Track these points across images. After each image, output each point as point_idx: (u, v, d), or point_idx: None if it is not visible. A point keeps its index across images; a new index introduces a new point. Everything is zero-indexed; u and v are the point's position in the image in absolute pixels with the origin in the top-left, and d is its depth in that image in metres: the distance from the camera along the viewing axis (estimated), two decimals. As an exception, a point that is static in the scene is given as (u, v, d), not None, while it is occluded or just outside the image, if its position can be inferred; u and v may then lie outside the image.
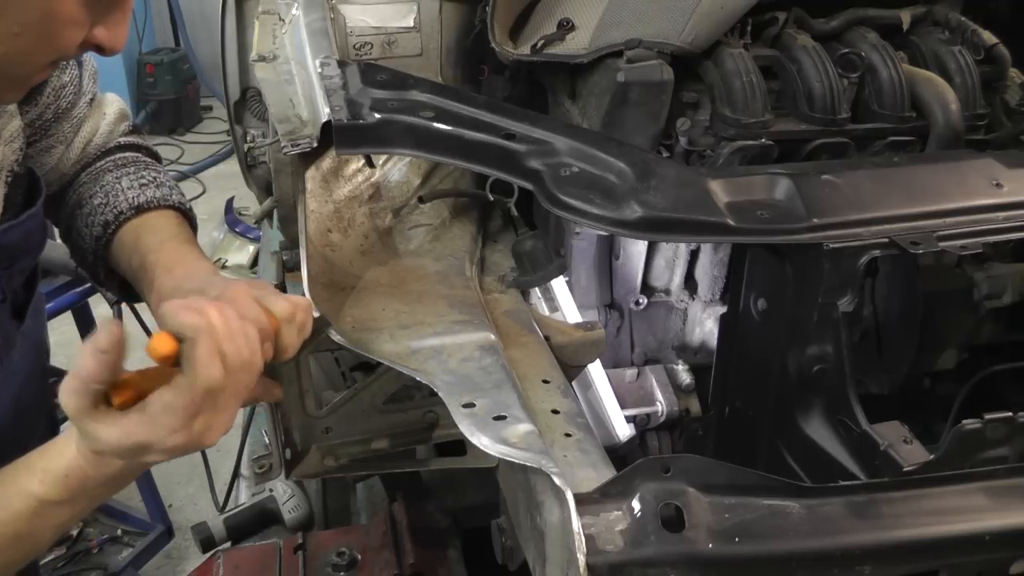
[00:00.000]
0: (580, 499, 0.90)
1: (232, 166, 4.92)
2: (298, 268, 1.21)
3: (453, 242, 1.48)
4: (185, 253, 1.19)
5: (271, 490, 1.89)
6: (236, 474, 2.13)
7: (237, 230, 4.43)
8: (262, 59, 1.43)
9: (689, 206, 1.20)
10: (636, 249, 1.61)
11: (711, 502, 0.94)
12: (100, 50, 1.01)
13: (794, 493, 0.99)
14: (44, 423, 1.34)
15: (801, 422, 1.23)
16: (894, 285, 1.38)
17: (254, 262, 4.19)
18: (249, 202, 4.28)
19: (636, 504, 0.93)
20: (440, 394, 1.05)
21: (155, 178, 1.32)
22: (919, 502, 1.01)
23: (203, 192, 5.89)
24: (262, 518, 1.87)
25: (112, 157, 1.35)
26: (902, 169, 1.32)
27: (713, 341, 1.63)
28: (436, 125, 1.26)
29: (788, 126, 1.46)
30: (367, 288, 1.31)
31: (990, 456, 1.04)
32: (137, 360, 0.86)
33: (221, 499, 2.18)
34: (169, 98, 6.85)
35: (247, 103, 2.24)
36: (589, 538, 0.89)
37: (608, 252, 1.63)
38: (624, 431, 1.35)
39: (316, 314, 1.06)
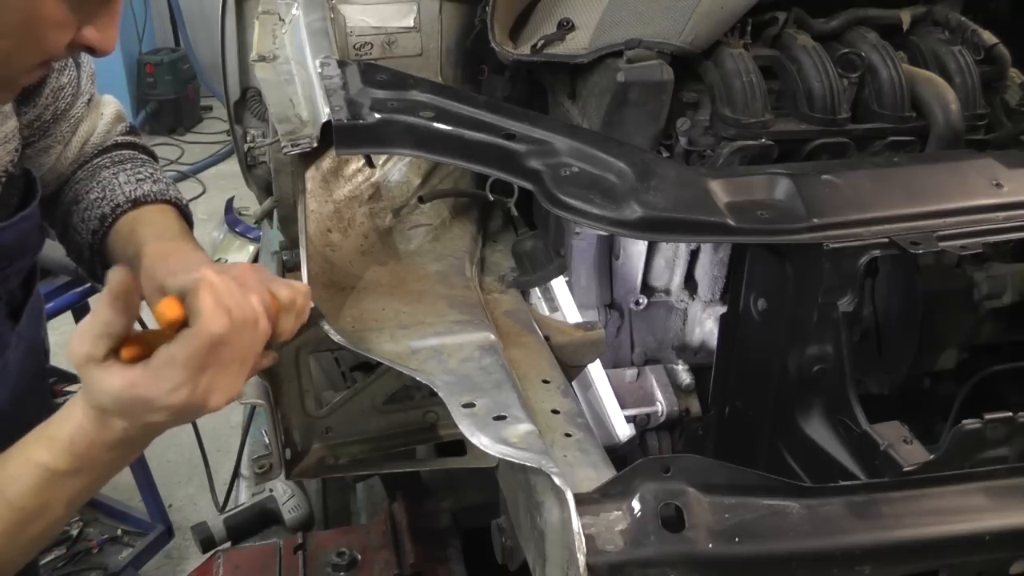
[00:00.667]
0: (580, 499, 0.90)
1: (232, 166, 4.92)
2: (298, 268, 1.21)
3: (453, 242, 1.48)
4: (180, 244, 1.19)
5: (271, 490, 1.90)
6: (236, 474, 2.13)
7: (237, 230, 4.42)
8: (262, 59, 1.43)
9: (689, 206, 1.20)
10: (636, 249, 1.61)
11: (711, 502, 0.94)
12: (91, 51, 1.00)
13: (794, 493, 0.99)
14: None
15: (801, 422, 1.23)
16: (894, 285, 1.38)
17: (254, 262, 4.19)
18: (249, 202, 4.27)
19: (636, 504, 0.93)
20: (440, 394, 1.05)
21: (152, 174, 1.32)
22: (919, 502, 1.01)
23: (203, 192, 5.89)
24: (262, 518, 1.87)
25: (109, 155, 1.35)
26: (902, 169, 1.32)
27: (713, 341, 1.63)
28: (436, 125, 1.26)
29: (788, 126, 1.46)
30: (367, 288, 1.31)
31: (990, 456, 1.04)
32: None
33: (221, 499, 2.18)
34: (169, 98, 6.84)
35: (247, 103, 2.24)
36: (589, 538, 0.89)
37: (608, 252, 1.63)
38: (624, 431, 1.35)
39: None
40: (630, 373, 1.65)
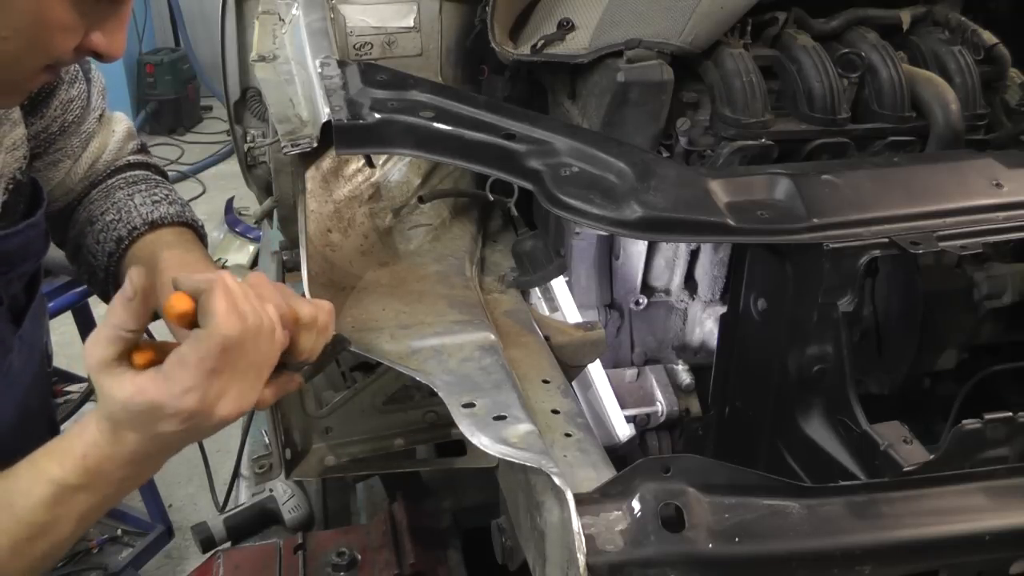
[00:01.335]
0: (580, 499, 0.90)
1: (232, 166, 4.92)
2: (298, 268, 1.21)
3: (453, 242, 1.48)
4: (200, 269, 1.18)
5: (271, 490, 1.89)
6: (236, 474, 2.13)
7: (237, 230, 4.43)
8: (262, 59, 1.43)
9: (689, 206, 1.20)
10: (636, 249, 1.61)
11: (711, 502, 0.94)
12: (98, 56, 1.00)
13: (794, 493, 0.99)
14: (45, 427, 1.34)
15: (801, 422, 1.23)
16: (894, 285, 1.38)
17: (254, 262, 4.20)
18: (249, 202, 4.28)
19: (636, 504, 0.93)
20: (440, 394, 1.05)
21: (167, 195, 1.32)
22: (919, 502, 1.01)
23: (203, 192, 5.88)
24: (262, 518, 1.87)
25: (123, 175, 1.35)
26: (902, 169, 1.32)
27: (713, 341, 1.63)
28: (436, 125, 1.26)
29: (788, 126, 1.46)
30: (367, 288, 1.31)
31: (990, 456, 1.04)
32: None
33: (221, 499, 2.18)
34: (169, 98, 6.85)
35: (247, 103, 2.24)
36: (589, 538, 0.89)
37: (608, 252, 1.63)
38: (624, 431, 1.35)
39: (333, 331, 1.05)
40: (630, 373, 1.65)
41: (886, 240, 1.18)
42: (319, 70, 1.32)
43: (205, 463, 2.39)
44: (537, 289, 1.45)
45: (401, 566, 1.44)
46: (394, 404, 1.27)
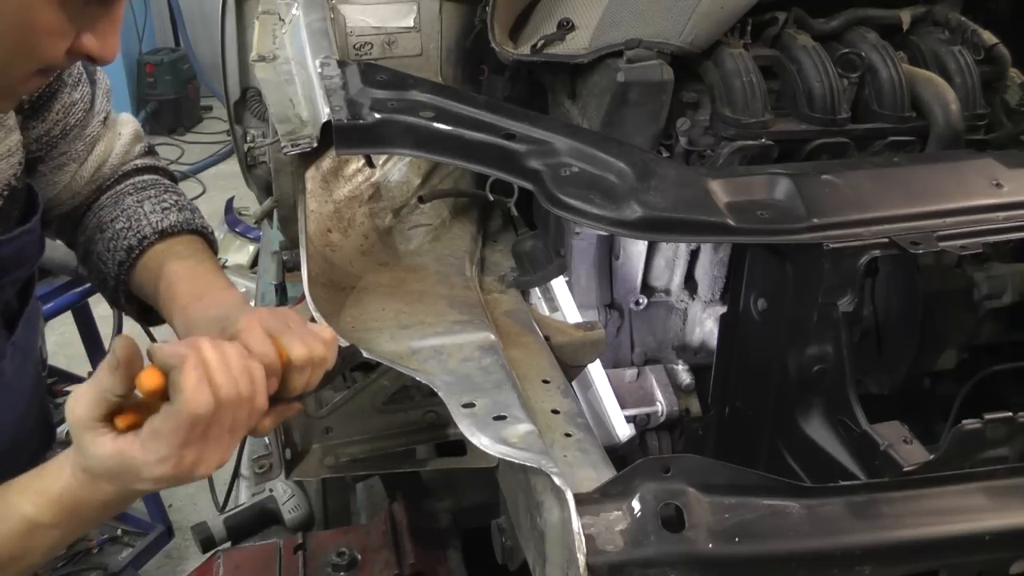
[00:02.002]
0: (580, 499, 0.90)
1: (232, 166, 4.92)
2: (298, 268, 1.21)
3: (453, 242, 1.48)
4: (212, 282, 1.18)
5: (271, 490, 1.89)
6: (236, 474, 2.13)
7: (237, 230, 4.43)
8: (262, 59, 1.43)
9: (689, 206, 1.20)
10: (636, 249, 1.61)
11: (711, 502, 0.94)
12: (91, 59, 0.98)
13: (794, 493, 0.99)
14: (41, 431, 1.34)
15: (801, 422, 1.23)
16: (894, 285, 1.38)
17: (254, 262, 4.19)
18: (249, 202, 4.28)
19: (636, 504, 0.93)
20: (440, 394, 1.05)
21: (176, 201, 1.31)
22: (919, 502, 1.01)
23: (203, 192, 5.89)
24: (262, 518, 1.87)
25: (131, 180, 1.33)
26: (902, 169, 1.32)
27: (713, 341, 1.63)
28: (436, 125, 1.26)
29: (788, 126, 1.46)
30: (367, 288, 1.31)
31: (990, 456, 1.04)
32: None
33: (221, 499, 2.18)
34: (169, 98, 6.85)
35: (247, 103, 2.24)
36: (589, 538, 0.89)
37: (608, 252, 1.63)
38: (624, 431, 1.35)
39: (344, 343, 1.04)
40: (630, 373, 1.65)
41: (886, 240, 1.18)
42: (319, 70, 1.32)
43: (205, 463, 2.38)
44: (537, 289, 1.45)
45: (401, 566, 1.44)
46: (394, 404, 1.27)
